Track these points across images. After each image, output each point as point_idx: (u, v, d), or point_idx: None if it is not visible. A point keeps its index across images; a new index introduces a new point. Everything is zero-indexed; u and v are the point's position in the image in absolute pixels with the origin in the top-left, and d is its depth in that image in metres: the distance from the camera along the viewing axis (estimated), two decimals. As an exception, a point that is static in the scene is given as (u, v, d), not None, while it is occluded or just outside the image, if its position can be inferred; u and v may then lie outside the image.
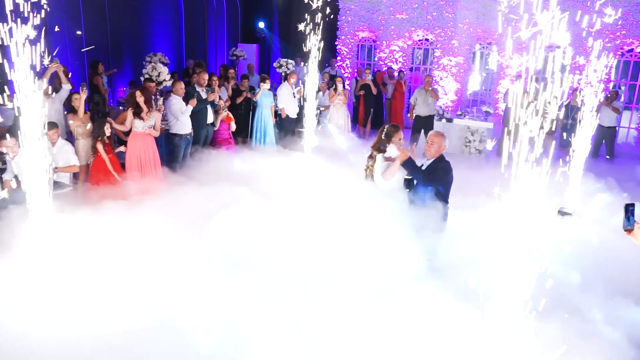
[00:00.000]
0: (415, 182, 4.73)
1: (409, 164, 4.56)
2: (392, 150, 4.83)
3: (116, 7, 11.22)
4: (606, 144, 10.40)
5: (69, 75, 7.71)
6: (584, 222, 6.05)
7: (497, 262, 3.21)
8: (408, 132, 11.24)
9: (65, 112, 7.26)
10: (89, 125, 6.77)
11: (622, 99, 11.38)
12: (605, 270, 4.77)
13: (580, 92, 10.71)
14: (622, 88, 12.55)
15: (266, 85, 9.77)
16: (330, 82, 11.89)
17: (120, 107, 10.29)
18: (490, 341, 3.36)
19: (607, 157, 10.27)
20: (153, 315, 3.70)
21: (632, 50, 11.97)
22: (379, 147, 4.88)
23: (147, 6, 12.37)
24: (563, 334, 3.49)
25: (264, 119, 9.91)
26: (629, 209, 2.91)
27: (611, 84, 12.16)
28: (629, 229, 2.90)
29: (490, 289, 3.58)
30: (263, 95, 9.80)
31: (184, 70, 11.86)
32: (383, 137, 4.84)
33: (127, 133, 7.04)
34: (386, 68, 13.56)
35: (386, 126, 4.94)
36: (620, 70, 12.38)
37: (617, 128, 10.53)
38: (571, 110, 10.46)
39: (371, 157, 4.94)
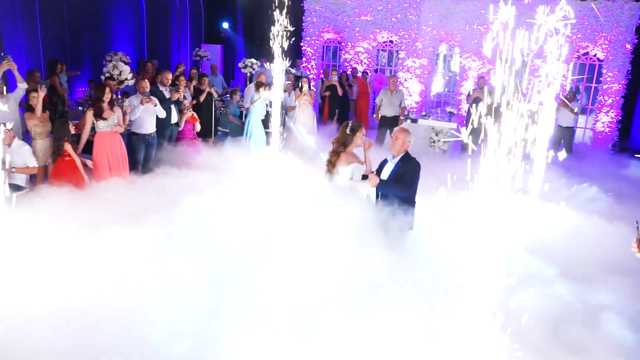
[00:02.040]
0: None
1: (382, 184, 4.57)
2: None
3: (74, 5, 10.88)
4: (564, 143, 10.73)
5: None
6: (550, 208, 6.32)
7: (469, 256, 3.25)
8: (373, 132, 11.33)
9: (22, 112, 6.98)
10: (48, 125, 6.54)
11: (579, 101, 11.78)
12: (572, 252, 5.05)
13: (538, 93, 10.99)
14: (579, 94, 12.97)
15: (266, 94, 9.52)
16: (295, 82, 11.86)
17: (80, 108, 9.98)
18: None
19: (558, 153, 10.51)
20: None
21: (587, 53, 12.40)
22: (344, 142, 4.81)
23: (107, 4, 12.05)
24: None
25: (256, 123, 9.77)
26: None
27: (568, 86, 12.56)
28: None
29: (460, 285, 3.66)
30: (260, 103, 9.66)
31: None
32: (348, 132, 4.77)
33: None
34: (351, 69, 13.64)
35: (350, 122, 4.85)
36: (577, 73, 12.80)
37: (574, 128, 10.88)
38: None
39: (335, 153, 4.84)
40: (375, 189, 4.77)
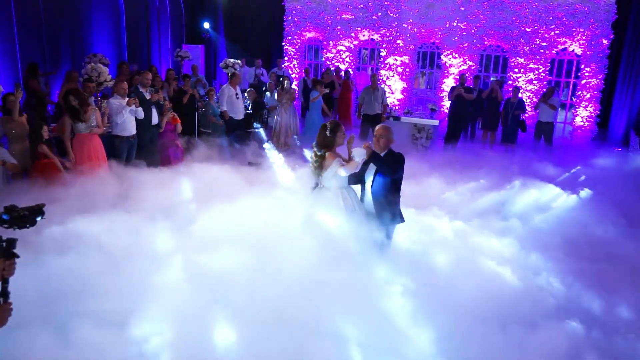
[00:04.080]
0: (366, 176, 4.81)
1: (375, 157, 4.57)
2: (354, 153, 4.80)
3: (51, 6, 10.71)
4: (545, 138, 10.87)
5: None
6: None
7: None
8: (356, 130, 11.37)
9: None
10: (26, 128, 6.46)
11: (559, 97, 11.95)
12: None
13: (519, 89, 11.16)
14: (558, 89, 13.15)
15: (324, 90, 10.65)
16: (277, 82, 11.85)
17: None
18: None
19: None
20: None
21: (565, 49, 12.57)
22: (327, 145, 4.78)
23: (86, 5, 11.88)
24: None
25: (315, 121, 10.51)
26: None
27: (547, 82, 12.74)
28: None
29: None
30: (318, 100, 10.66)
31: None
32: (329, 134, 4.77)
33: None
34: (333, 68, 13.66)
35: (327, 124, 4.82)
36: (556, 69, 12.97)
37: (554, 123, 11.02)
38: (510, 107, 10.90)
39: (320, 155, 4.79)
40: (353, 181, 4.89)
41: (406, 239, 5.19)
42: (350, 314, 3.68)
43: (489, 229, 6.00)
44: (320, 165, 4.77)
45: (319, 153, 4.78)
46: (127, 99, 7.27)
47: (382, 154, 4.70)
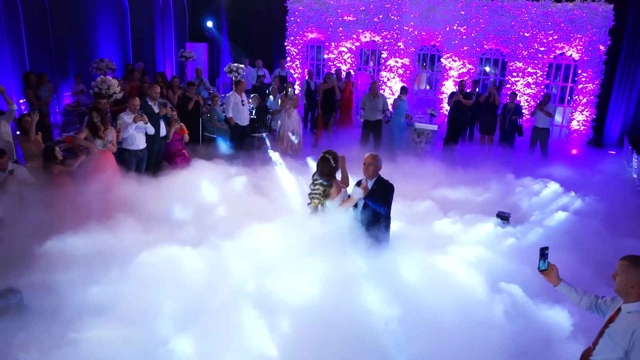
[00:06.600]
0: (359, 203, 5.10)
1: (370, 194, 4.87)
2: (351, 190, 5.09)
3: (58, 13, 10.91)
4: (540, 143, 11.14)
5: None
6: None
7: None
8: (358, 131, 11.63)
9: (18, 134, 7.15)
10: (42, 147, 6.74)
11: (555, 104, 12.18)
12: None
13: (516, 95, 11.42)
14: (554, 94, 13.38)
15: (403, 95, 11.20)
16: (280, 85, 12.05)
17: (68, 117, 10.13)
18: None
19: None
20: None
21: (563, 54, 12.77)
22: (331, 174, 5.03)
23: (91, 10, 12.07)
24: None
25: (400, 126, 11.20)
26: (544, 252, 3.10)
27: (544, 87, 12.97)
28: (543, 270, 3.11)
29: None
30: (400, 104, 11.15)
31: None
32: (334, 165, 5.02)
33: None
34: (334, 70, 13.84)
35: (328, 155, 5.03)
36: (553, 73, 13.18)
37: (550, 129, 11.28)
38: (508, 112, 11.17)
39: (327, 185, 5.02)
40: (354, 212, 5.12)
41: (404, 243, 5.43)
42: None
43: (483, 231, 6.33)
44: (327, 195, 5.04)
45: (325, 184, 5.04)
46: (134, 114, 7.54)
47: (371, 181, 4.95)
